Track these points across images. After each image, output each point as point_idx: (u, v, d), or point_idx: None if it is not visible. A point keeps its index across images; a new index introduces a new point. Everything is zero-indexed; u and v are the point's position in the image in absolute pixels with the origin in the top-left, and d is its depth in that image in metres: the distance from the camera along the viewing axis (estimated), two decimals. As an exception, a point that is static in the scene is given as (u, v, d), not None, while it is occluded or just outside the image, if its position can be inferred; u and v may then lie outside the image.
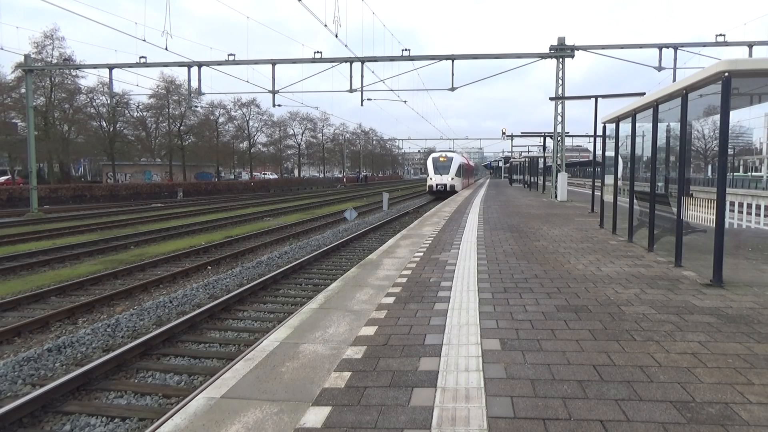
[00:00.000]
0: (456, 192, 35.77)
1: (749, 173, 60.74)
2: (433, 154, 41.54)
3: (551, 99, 23.00)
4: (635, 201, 9.71)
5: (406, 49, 23.81)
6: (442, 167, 38.62)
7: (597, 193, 15.59)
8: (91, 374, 5.90)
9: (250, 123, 71.63)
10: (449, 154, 40.43)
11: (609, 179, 12.85)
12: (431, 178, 39.01)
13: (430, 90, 36.51)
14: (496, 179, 79.02)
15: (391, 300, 5.59)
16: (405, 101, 33.01)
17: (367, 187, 74.26)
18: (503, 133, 58.73)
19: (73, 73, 45.17)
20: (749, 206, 15.13)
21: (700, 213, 14.20)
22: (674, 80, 20.15)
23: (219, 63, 25.38)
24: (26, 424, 5.04)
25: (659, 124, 8.35)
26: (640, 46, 23.46)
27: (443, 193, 36.73)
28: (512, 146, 65.32)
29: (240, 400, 3.23)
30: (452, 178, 37.98)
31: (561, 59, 23.32)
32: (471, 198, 26.34)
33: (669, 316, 4.92)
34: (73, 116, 47.83)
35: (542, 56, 23.55)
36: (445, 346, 4.11)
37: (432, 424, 2.87)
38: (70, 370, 6.30)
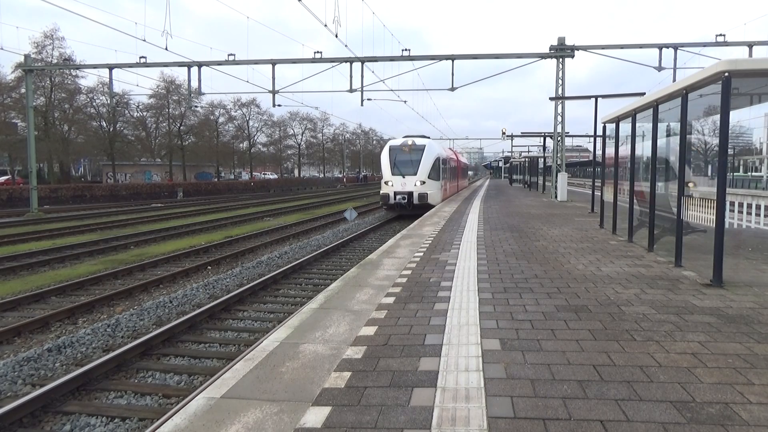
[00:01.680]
0: (431, 206, 21.68)
1: (749, 173, 60.68)
2: (392, 141, 25.20)
3: (551, 99, 23.00)
4: (635, 201, 9.71)
5: (406, 49, 23.81)
6: (404, 163, 23.29)
7: (597, 193, 15.60)
8: (91, 374, 5.89)
9: (250, 123, 71.72)
10: (419, 141, 24.21)
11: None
12: (388, 182, 23.15)
13: (430, 90, 35.96)
14: (496, 179, 79.06)
15: (391, 300, 5.59)
16: (405, 101, 32.94)
17: (367, 187, 74.24)
18: (503, 133, 58.78)
19: (73, 73, 45.22)
20: (749, 206, 15.12)
21: (700, 213, 14.20)
22: (674, 80, 20.15)
23: (219, 63, 25.38)
24: (26, 424, 5.04)
25: (659, 124, 8.35)
26: (640, 46, 23.46)
27: (407, 208, 22.54)
28: (512, 146, 65.40)
29: (240, 400, 3.23)
30: (422, 182, 22.75)
31: (561, 59, 23.32)
32: (470, 199, 26.35)
33: (669, 316, 4.92)
34: (73, 116, 47.86)
35: (542, 56, 23.55)
36: (445, 346, 4.11)
37: (432, 424, 2.87)
38: (70, 370, 6.31)
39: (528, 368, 3.65)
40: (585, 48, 23.48)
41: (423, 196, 22.45)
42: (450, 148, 40.61)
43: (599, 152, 15.05)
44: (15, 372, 6.18)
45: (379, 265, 7.73)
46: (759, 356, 3.86)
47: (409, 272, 7.09)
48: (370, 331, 4.54)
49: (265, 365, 3.80)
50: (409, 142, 24.01)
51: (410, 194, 22.54)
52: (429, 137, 25.94)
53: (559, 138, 24.85)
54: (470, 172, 67.28)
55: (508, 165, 67.78)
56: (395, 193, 22.71)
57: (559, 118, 24.24)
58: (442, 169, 25.02)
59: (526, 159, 48.78)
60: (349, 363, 3.79)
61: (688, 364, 3.70)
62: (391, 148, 24.25)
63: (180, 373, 6.24)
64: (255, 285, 10.13)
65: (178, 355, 6.84)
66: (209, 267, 13.03)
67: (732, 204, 15.66)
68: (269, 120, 74.91)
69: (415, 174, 22.88)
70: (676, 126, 8.08)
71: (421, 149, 23.63)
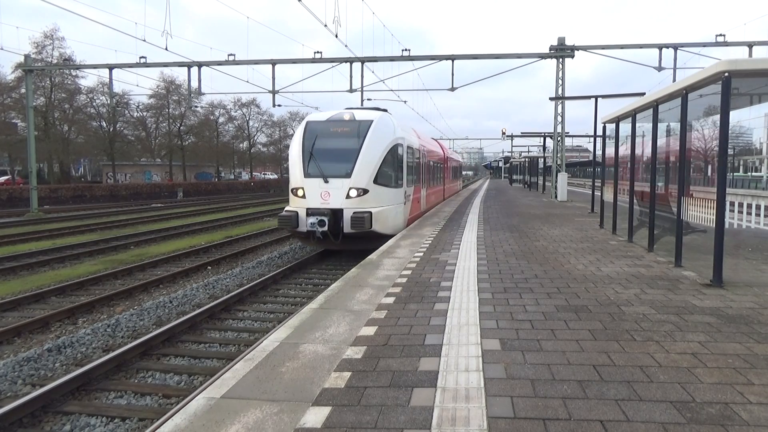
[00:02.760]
0: (383, 236, 11.56)
1: (749, 173, 60.66)
2: (311, 117, 13.51)
3: (551, 99, 23.00)
4: (635, 201, 9.71)
5: (406, 49, 23.80)
6: (330, 154, 12.39)
7: (597, 193, 15.60)
8: (91, 374, 5.89)
9: (250, 123, 71.69)
10: (362, 114, 13.14)
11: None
12: (297, 191, 12.33)
13: (430, 90, 35.76)
14: (496, 179, 79.05)
15: (391, 300, 5.59)
16: (405, 101, 32.84)
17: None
18: (503, 133, 58.83)
19: (73, 73, 45.22)
20: (749, 206, 15.11)
21: (700, 213, 14.20)
22: (674, 80, 20.16)
23: (219, 63, 25.37)
24: (26, 424, 5.04)
25: (659, 124, 8.36)
26: (640, 46, 23.46)
27: (331, 240, 11.81)
28: (512, 146, 65.46)
29: (240, 400, 3.23)
30: (361, 191, 11.91)
31: (561, 59, 23.32)
32: (470, 199, 26.33)
33: (669, 316, 4.92)
34: (73, 116, 47.89)
35: (542, 56, 23.54)
36: (445, 346, 4.11)
37: (432, 424, 2.87)
38: (70, 370, 6.30)
39: (528, 368, 3.65)
40: (585, 48, 23.47)
41: (361, 219, 11.61)
42: (434, 139, 26.73)
43: (599, 152, 15.06)
44: (15, 372, 6.18)
45: (379, 265, 7.73)
46: (759, 356, 3.86)
47: (409, 272, 7.09)
48: (370, 331, 4.54)
49: (265, 365, 3.79)
50: (345, 116, 12.93)
51: (336, 214, 11.85)
52: (386, 110, 14.78)
53: (559, 138, 24.84)
54: (469, 173, 66.00)
55: (508, 165, 67.79)
56: (308, 212, 11.95)
57: (559, 118, 24.23)
58: (408, 165, 14.17)
59: (526, 159, 48.78)
60: (349, 363, 3.79)
61: (688, 364, 3.70)
62: (308, 126, 13.03)
63: (180, 373, 6.24)
64: (255, 285, 10.13)
65: (178, 355, 6.84)
66: (209, 267, 13.02)
67: (732, 204, 15.67)
68: (269, 120, 74.89)
69: (348, 175, 12.02)
70: (676, 126, 8.09)
71: (363, 129, 12.52)
